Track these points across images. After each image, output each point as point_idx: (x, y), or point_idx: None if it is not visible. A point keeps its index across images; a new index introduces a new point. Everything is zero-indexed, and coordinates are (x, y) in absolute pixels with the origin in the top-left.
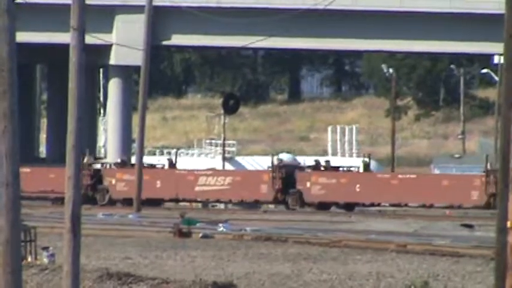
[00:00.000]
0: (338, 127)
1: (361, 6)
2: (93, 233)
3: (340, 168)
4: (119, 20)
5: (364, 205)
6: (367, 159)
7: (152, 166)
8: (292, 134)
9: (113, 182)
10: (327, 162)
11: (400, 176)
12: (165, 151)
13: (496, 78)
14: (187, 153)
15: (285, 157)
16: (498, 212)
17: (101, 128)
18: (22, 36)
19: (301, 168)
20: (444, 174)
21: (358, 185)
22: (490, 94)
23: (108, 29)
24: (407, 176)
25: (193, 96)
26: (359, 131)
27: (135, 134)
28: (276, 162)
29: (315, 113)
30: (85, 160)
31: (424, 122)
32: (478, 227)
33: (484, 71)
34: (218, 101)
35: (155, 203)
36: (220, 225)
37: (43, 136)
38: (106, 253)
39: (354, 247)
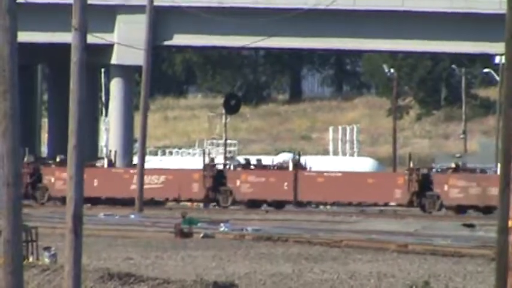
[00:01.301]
0: (339, 127)
1: (362, 6)
2: (94, 233)
3: (270, 167)
4: (121, 20)
5: (291, 203)
6: (297, 157)
7: (92, 165)
8: (293, 134)
9: (52, 180)
10: (259, 161)
11: (325, 174)
12: (167, 150)
13: (497, 78)
14: (189, 153)
15: (286, 157)
16: (499, 211)
17: (102, 127)
18: (23, 36)
19: (232, 167)
20: (369, 173)
21: (286, 183)
22: (491, 94)
23: (110, 29)
24: (333, 174)
25: (194, 96)
26: (360, 131)
27: (137, 134)
28: (207, 161)
29: (315, 113)
30: (25, 159)
31: (425, 122)
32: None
33: (486, 70)
34: (219, 101)
35: (92, 201)
36: (222, 225)
37: (44, 136)
38: (107, 253)
39: (355, 247)
